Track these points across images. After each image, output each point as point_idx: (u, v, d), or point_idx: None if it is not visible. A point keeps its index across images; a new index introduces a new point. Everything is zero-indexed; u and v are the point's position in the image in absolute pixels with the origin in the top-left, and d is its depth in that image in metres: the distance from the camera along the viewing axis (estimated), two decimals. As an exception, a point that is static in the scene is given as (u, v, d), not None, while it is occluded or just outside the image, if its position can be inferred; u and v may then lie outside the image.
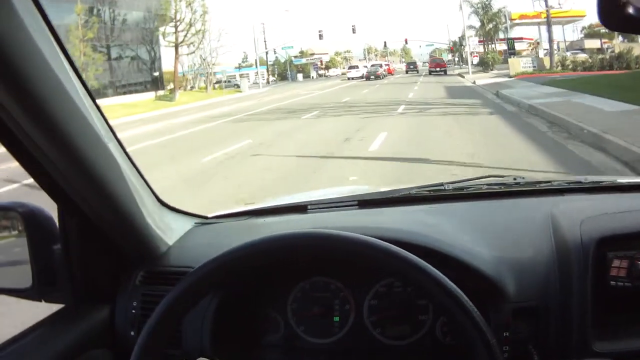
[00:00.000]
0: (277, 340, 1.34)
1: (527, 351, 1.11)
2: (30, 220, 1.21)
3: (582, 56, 36.86)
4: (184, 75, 47.41)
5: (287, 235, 0.99)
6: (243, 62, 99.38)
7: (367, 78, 52.06)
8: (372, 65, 59.94)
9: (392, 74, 63.03)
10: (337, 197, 1.68)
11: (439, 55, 68.90)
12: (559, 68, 32.01)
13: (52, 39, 0.94)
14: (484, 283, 1.15)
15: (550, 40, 35.66)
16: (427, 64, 63.17)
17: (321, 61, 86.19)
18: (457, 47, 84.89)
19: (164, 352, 0.94)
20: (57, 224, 1.23)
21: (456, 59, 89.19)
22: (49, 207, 1.22)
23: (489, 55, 45.91)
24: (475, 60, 55.77)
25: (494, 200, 1.56)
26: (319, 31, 64.06)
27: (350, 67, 62.94)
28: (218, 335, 1.26)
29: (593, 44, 58.31)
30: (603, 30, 55.91)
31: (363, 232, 0.97)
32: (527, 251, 1.23)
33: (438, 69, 51.81)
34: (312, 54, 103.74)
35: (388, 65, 68.56)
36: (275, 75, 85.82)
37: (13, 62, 0.85)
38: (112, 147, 1.12)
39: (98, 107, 1.09)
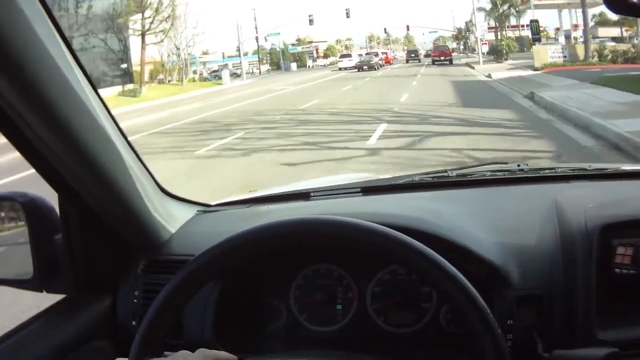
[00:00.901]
0: (280, 329, 1.36)
1: (531, 339, 1.11)
2: (31, 210, 1.23)
3: (613, 45, 28.44)
4: (163, 66, 45.03)
5: (287, 221, 0.98)
6: (238, 50, 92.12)
7: (359, 69, 47.52)
8: (367, 54, 52.10)
9: (390, 64, 54.99)
10: (340, 185, 1.70)
11: (443, 43, 59.57)
12: (595, 59, 26.86)
13: (53, 27, 0.97)
14: (488, 270, 1.17)
15: (585, 25, 27.52)
16: (430, 52, 54.42)
17: (317, 49, 78.01)
18: (462, 35, 77.21)
19: (165, 342, 0.98)
20: (59, 213, 1.26)
21: (461, 47, 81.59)
22: (51, 197, 1.23)
23: (502, 42, 37.31)
24: (484, 49, 47.41)
25: (497, 186, 1.58)
26: (309, 16, 56.71)
27: (342, 56, 56.19)
28: (220, 324, 1.28)
29: (607, 32, 50.65)
30: (623, 17, 47.87)
31: (366, 219, 0.96)
32: (531, 238, 1.24)
33: (442, 57, 44.87)
34: (310, 42, 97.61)
35: (386, 53, 60.22)
36: (269, 65, 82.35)
37: (13, 52, 0.88)
38: (113, 135, 1.15)
39: (99, 95, 1.12)
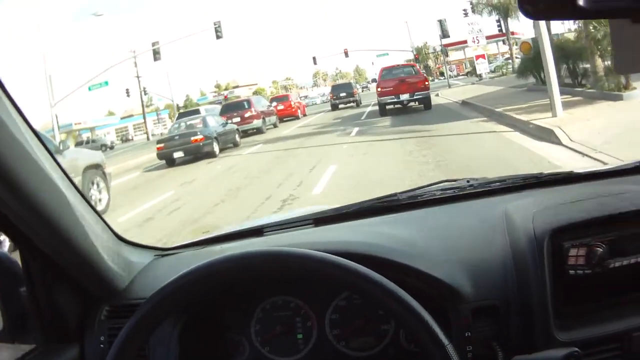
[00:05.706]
0: None
1: (491, 348, 1.12)
2: None
3: None
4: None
5: (220, 259, 0.97)
6: (148, 106, 63.26)
7: (168, 160, 16.50)
8: (180, 123, 18.12)
9: (297, 116, 26.68)
10: (293, 218, 1.66)
11: (405, 63, 30.50)
12: None
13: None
14: (439, 287, 1.19)
15: None
16: (374, 83, 26.84)
17: (225, 97, 50.48)
18: (423, 55, 50.85)
19: None
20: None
21: (422, 70, 53.06)
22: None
23: (599, 30, 8.86)
24: (484, 67, 29.41)
25: (448, 204, 1.56)
26: (152, 45, 27.73)
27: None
28: None
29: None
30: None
31: (316, 248, 0.99)
32: (483, 251, 1.25)
33: (408, 95, 14.78)
34: (235, 87, 69.43)
35: (287, 98, 30.73)
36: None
37: None
38: (65, 188, 1.16)
39: (46, 148, 1.12)
